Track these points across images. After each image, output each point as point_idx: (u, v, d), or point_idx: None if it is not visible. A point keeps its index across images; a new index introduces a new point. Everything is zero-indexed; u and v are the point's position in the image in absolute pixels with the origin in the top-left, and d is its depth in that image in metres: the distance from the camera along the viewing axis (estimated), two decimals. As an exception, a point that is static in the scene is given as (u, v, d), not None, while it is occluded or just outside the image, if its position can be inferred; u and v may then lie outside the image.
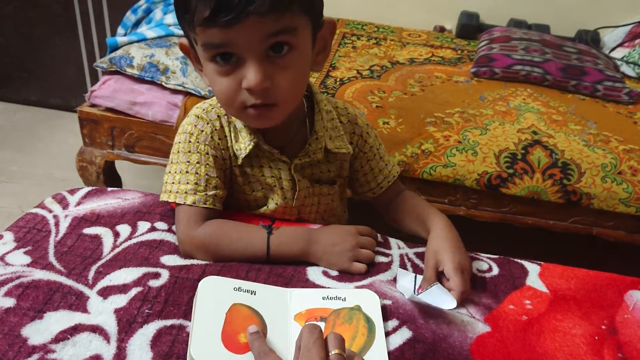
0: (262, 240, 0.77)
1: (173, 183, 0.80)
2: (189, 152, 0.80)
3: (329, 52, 0.79)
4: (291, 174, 0.82)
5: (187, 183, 0.79)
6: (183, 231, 0.77)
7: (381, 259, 0.80)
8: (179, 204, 0.79)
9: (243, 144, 0.80)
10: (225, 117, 0.81)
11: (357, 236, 0.80)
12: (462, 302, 0.72)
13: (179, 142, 0.81)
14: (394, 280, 0.76)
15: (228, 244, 0.76)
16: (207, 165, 0.79)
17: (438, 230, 0.81)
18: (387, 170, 0.94)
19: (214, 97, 0.82)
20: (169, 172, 0.81)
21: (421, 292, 0.71)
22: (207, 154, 0.79)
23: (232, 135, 0.81)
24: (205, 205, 0.78)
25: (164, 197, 0.81)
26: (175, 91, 1.55)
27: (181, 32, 1.74)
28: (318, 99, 0.84)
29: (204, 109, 0.82)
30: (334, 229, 0.81)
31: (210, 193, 0.79)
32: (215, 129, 0.80)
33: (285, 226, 0.81)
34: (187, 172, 0.79)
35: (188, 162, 0.79)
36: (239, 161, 0.81)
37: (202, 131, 0.80)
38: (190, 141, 0.80)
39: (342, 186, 0.92)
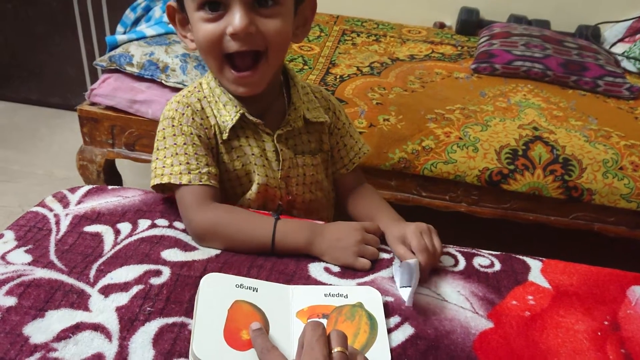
0: (269, 228, 0.77)
1: (164, 167, 0.81)
2: (174, 135, 0.82)
3: (308, 29, 0.85)
4: (274, 144, 0.85)
5: (180, 164, 0.80)
6: (189, 214, 0.78)
7: (383, 255, 0.80)
8: (176, 186, 0.80)
9: (229, 116, 0.83)
10: (205, 99, 0.84)
11: (362, 232, 0.79)
12: (466, 297, 0.72)
13: (163, 129, 0.83)
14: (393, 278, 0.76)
15: (236, 230, 0.77)
16: (194, 145, 0.81)
17: (385, 221, 0.85)
18: (357, 147, 0.98)
19: (193, 84, 0.88)
20: (157, 158, 0.82)
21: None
22: (192, 134, 0.81)
23: (216, 111, 0.84)
24: (201, 183, 0.79)
25: (156, 181, 0.81)
26: (175, 89, 1.54)
27: (181, 30, 1.75)
28: (292, 74, 0.89)
29: (183, 95, 0.85)
30: (340, 224, 0.81)
31: (204, 170, 0.80)
32: (196, 111, 0.83)
33: (292, 219, 0.82)
34: (176, 153, 0.81)
35: (175, 144, 0.81)
36: (225, 135, 0.83)
37: (183, 114, 0.82)
38: (173, 125, 0.82)
39: (325, 161, 0.94)
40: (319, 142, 0.92)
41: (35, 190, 1.97)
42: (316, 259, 0.77)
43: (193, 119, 0.82)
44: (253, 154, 0.85)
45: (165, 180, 0.80)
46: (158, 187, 0.83)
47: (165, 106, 0.86)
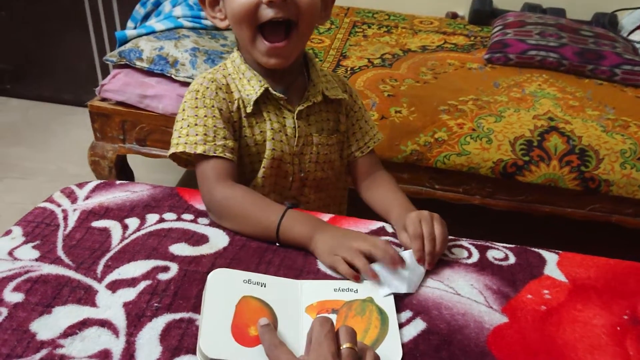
0: (278, 214, 0.76)
1: (180, 137, 0.82)
2: (196, 107, 0.83)
3: (329, 13, 0.88)
4: (294, 121, 0.87)
5: (196, 134, 0.81)
6: (209, 187, 0.80)
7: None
8: (196, 159, 0.82)
9: (253, 90, 0.84)
10: (230, 76, 0.87)
11: (368, 240, 0.71)
12: (479, 291, 0.70)
13: (186, 101, 0.85)
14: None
15: (249, 211, 0.77)
16: (214, 117, 0.82)
17: (397, 210, 0.84)
18: (372, 132, 0.99)
19: (220, 64, 0.91)
20: (175, 129, 0.84)
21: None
22: (213, 107, 0.83)
23: (240, 86, 0.86)
24: (215, 154, 0.80)
25: (172, 150, 0.83)
26: (184, 83, 1.54)
27: (190, 24, 1.75)
28: (310, 56, 0.92)
29: (209, 72, 0.88)
30: (350, 229, 0.78)
31: (219, 143, 0.81)
32: (221, 86, 0.85)
33: (304, 212, 0.80)
34: (195, 124, 0.82)
35: (196, 116, 0.82)
36: (249, 109, 0.84)
37: (208, 88, 0.84)
38: (197, 97, 0.84)
39: (340, 142, 0.95)
40: (336, 122, 0.94)
41: (48, 186, 1.98)
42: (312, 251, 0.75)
43: (217, 93, 0.84)
44: (272, 129, 0.86)
45: (180, 149, 0.81)
46: (179, 159, 0.86)
47: (192, 82, 0.88)
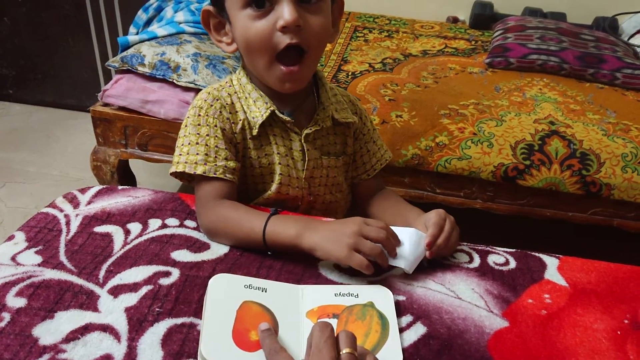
0: (262, 222, 0.75)
1: (181, 155, 0.81)
2: (199, 125, 0.82)
3: (338, 29, 0.86)
4: (302, 144, 0.85)
5: (197, 154, 0.80)
6: (200, 210, 0.79)
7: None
8: (194, 178, 0.81)
9: (259, 112, 0.82)
10: (236, 94, 0.84)
11: (361, 224, 0.72)
12: (480, 295, 0.71)
13: (189, 117, 0.83)
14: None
15: (233, 226, 0.76)
16: (216, 138, 0.81)
17: (411, 215, 0.85)
18: (380, 153, 0.97)
19: (225, 79, 0.88)
20: (178, 145, 0.83)
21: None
22: (216, 126, 0.81)
23: (246, 107, 0.84)
24: (215, 175, 0.79)
25: (172, 169, 0.82)
26: (186, 89, 1.55)
27: (192, 29, 1.76)
28: (320, 75, 0.89)
29: (215, 88, 0.85)
30: (337, 220, 0.78)
31: (220, 164, 0.80)
32: (225, 105, 0.83)
33: (289, 214, 0.80)
34: (196, 143, 0.81)
35: (198, 134, 0.81)
36: (255, 131, 0.82)
37: (212, 105, 0.82)
38: (199, 114, 0.82)
39: (346, 164, 0.93)
40: (343, 145, 0.92)
41: (50, 191, 1.99)
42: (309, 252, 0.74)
43: (220, 112, 0.82)
44: (279, 153, 0.84)
45: (180, 168, 0.80)
46: (181, 177, 0.83)
47: (195, 97, 0.86)
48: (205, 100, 0.83)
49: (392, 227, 0.74)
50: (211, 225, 0.78)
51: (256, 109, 0.83)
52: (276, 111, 0.82)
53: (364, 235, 0.70)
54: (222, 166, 0.80)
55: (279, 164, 0.84)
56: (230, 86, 0.86)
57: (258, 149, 0.84)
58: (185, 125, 0.83)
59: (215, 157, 0.80)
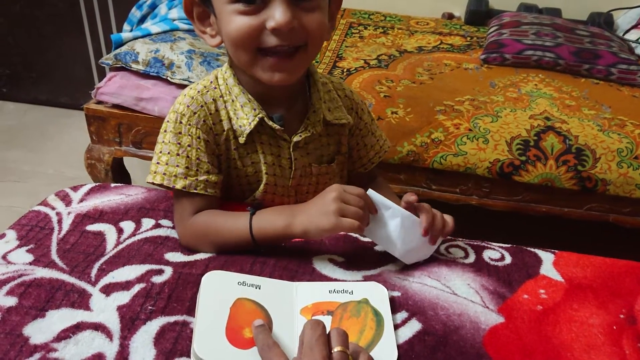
0: (246, 222, 0.74)
1: (159, 164, 0.76)
2: (180, 133, 0.76)
3: (334, 25, 0.81)
4: (290, 152, 0.80)
5: (177, 166, 0.76)
6: (177, 225, 0.77)
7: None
8: (167, 188, 0.77)
9: (246, 120, 0.77)
10: (222, 98, 0.78)
11: (340, 190, 0.71)
12: (476, 290, 0.71)
13: (169, 122, 0.78)
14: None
15: (215, 233, 0.74)
16: (198, 150, 0.76)
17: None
18: (378, 145, 0.94)
19: (209, 78, 0.81)
20: (156, 152, 0.78)
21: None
22: (199, 137, 0.76)
23: (232, 113, 0.78)
24: (195, 191, 0.76)
25: (149, 179, 0.77)
26: (180, 86, 1.53)
27: (186, 27, 1.74)
28: (312, 70, 0.83)
29: (198, 91, 0.78)
30: (316, 196, 0.76)
31: (201, 178, 0.76)
32: (210, 113, 0.77)
33: (268, 208, 0.78)
34: (177, 154, 0.76)
35: (179, 144, 0.76)
36: (242, 140, 0.78)
37: (195, 113, 0.76)
38: (181, 122, 0.76)
39: (341, 164, 0.89)
40: (337, 145, 0.87)
41: (45, 189, 1.96)
42: (320, 251, 0.75)
43: (204, 121, 0.76)
44: (266, 162, 0.80)
45: (158, 180, 0.76)
46: (160, 185, 0.79)
47: (177, 98, 0.80)
48: (188, 107, 0.76)
49: (388, 203, 0.73)
50: (192, 241, 0.75)
51: (243, 115, 0.77)
52: (265, 118, 0.77)
53: (344, 201, 0.71)
54: (203, 181, 0.76)
55: (266, 173, 0.80)
56: (215, 88, 0.79)
57: (244, 157, 0.80)
58: (165, 131, 0.78)
59: (197, 170, 0.76)
